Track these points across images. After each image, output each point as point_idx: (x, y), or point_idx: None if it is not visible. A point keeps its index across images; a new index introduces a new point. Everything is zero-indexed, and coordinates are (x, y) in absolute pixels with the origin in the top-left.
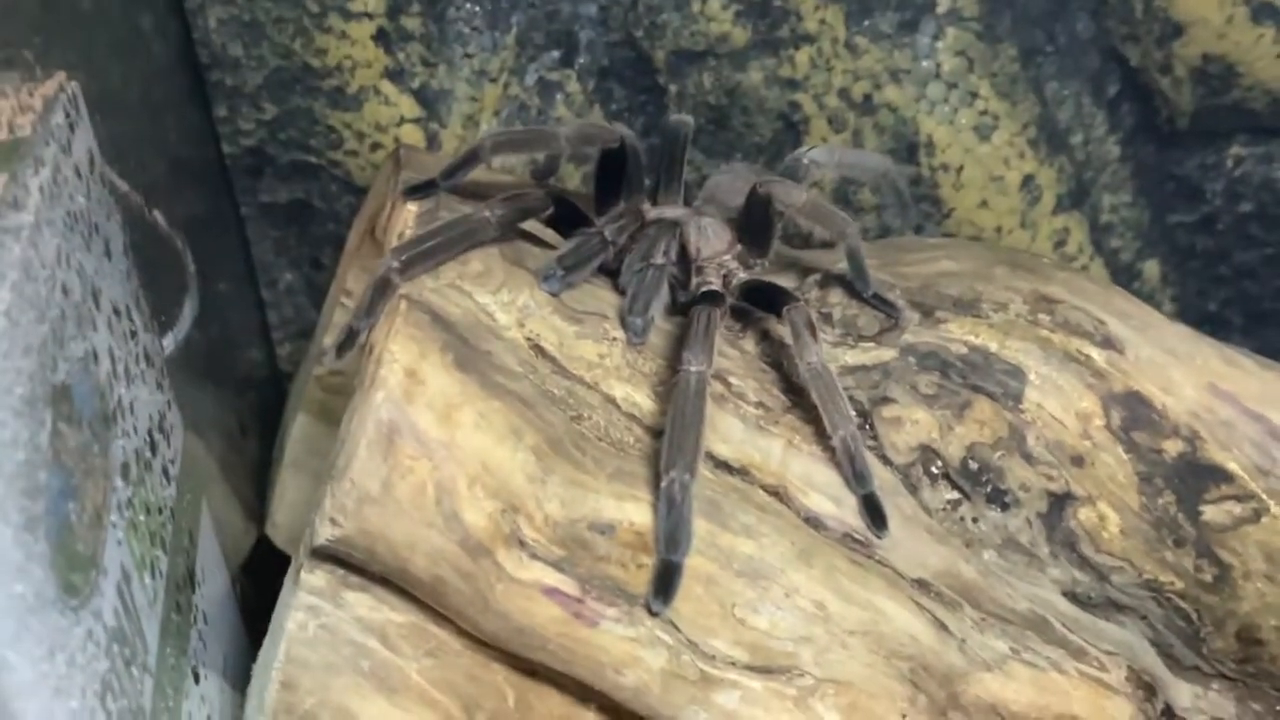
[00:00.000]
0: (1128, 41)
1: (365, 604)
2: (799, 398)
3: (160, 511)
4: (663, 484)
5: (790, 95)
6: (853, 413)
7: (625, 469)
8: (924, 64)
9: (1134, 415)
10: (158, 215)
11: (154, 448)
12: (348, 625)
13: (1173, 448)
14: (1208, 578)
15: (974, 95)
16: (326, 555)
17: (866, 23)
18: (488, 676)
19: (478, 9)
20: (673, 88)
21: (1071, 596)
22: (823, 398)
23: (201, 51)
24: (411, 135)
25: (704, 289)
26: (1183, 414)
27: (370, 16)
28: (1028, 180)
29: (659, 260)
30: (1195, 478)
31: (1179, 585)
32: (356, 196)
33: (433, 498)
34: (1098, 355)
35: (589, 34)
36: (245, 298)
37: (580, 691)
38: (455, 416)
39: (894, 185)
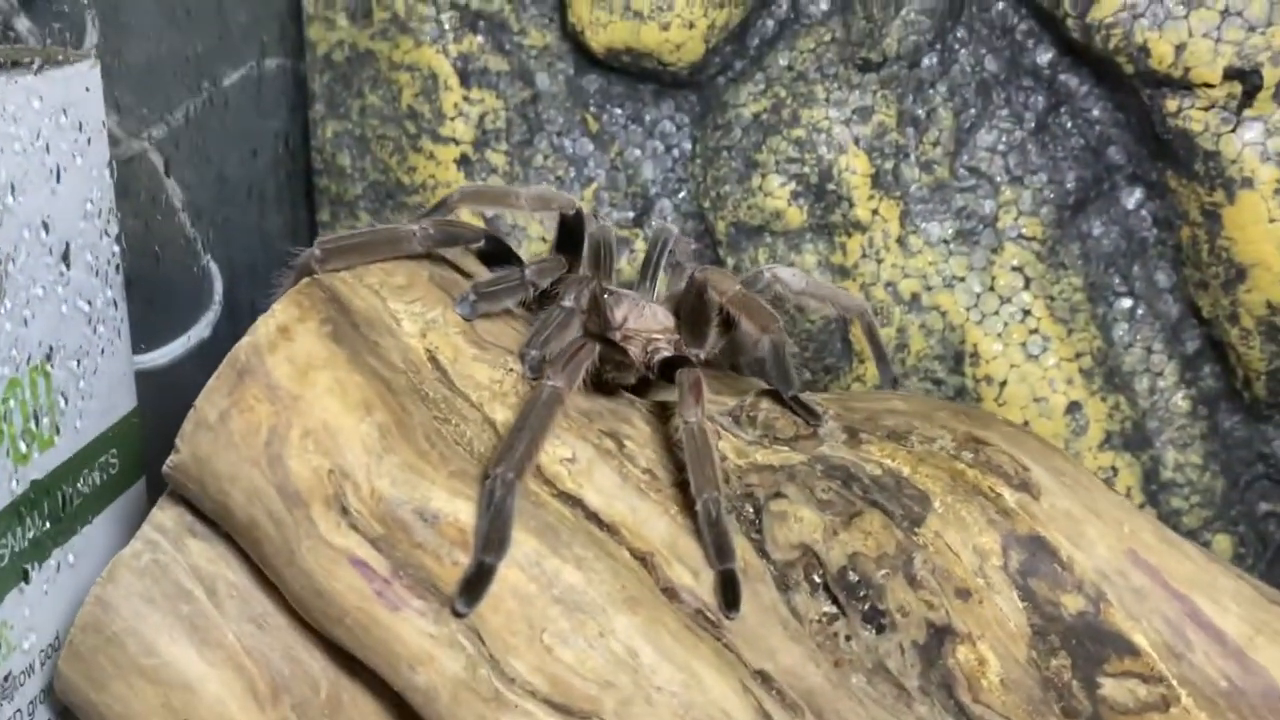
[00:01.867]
0: (1199, 289)
1: (204, 554)
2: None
3: (38, 418)
4: (487, 480)
5: (840, 282)
6: (721, 480)
7: (470, 472)
8: (978, 275)
9: (1034, 561)
10: (194, 231)
11: (52, 361)
12: (180, 569)
13: (1073, 604)
14: None
15: (1027, 313)
16: (181, 499)
17: (923, 224)
18: (305, 661)
19: (563, 159)
20: (730, 261)
21: None
22: (692, 458)
23: (315, 159)
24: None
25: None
26: (1090, 571)
27: (457, 143)
28: (1073, 407)
29: (568, 303)
30: (1095, 643)
31: None
32: None
33: (264, 439)
34: (1009, 495)
35: (664, 201)
36: None
37: (397, 709)
38: (312, 375)
39: (870, 331)
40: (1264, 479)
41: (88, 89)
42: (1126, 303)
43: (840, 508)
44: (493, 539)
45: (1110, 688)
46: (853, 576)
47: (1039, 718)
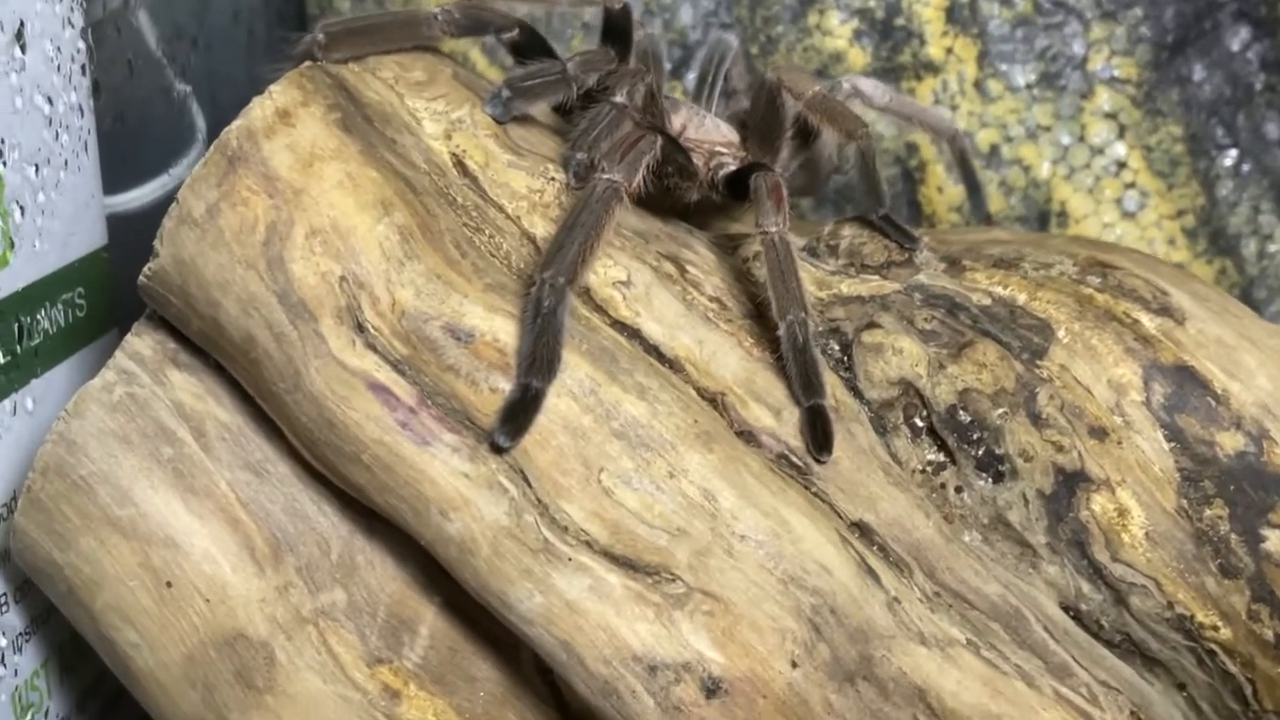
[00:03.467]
0: None
1: (190, 389)
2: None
3: None
4: (532, 288)
5: (908, 134)
6: (810, 300)
7: (510, 285)
8: (1066, 124)
9: (1183, 394)
10: (170, 71)
11: (2, 156)
12: (162, 405)
13: (1230, 444)
14: (1269, 634)
15: (1122, 166)
16: (161, 322)
17: (1003, 66)
18: (313, 516)
19: None
20: None
21: (1075, 615)
22: (773, 273)
23: None
24: None
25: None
26: (1249, 405)
27: None
28: None
29: (619, 99)
30: (1258, 489)
31: (1225, 634)
32: None
33: (261, 237)
34: (1148, 321)
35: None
36: None
37: (424, 573)
38: (318, 167)
39: (962, 157)
40: None
41: None
42: (1231, 156)
43: (946, 338)
44: (540, 358)
45: (1277, 540)
46: (964, 416)
47: (1191, 576)
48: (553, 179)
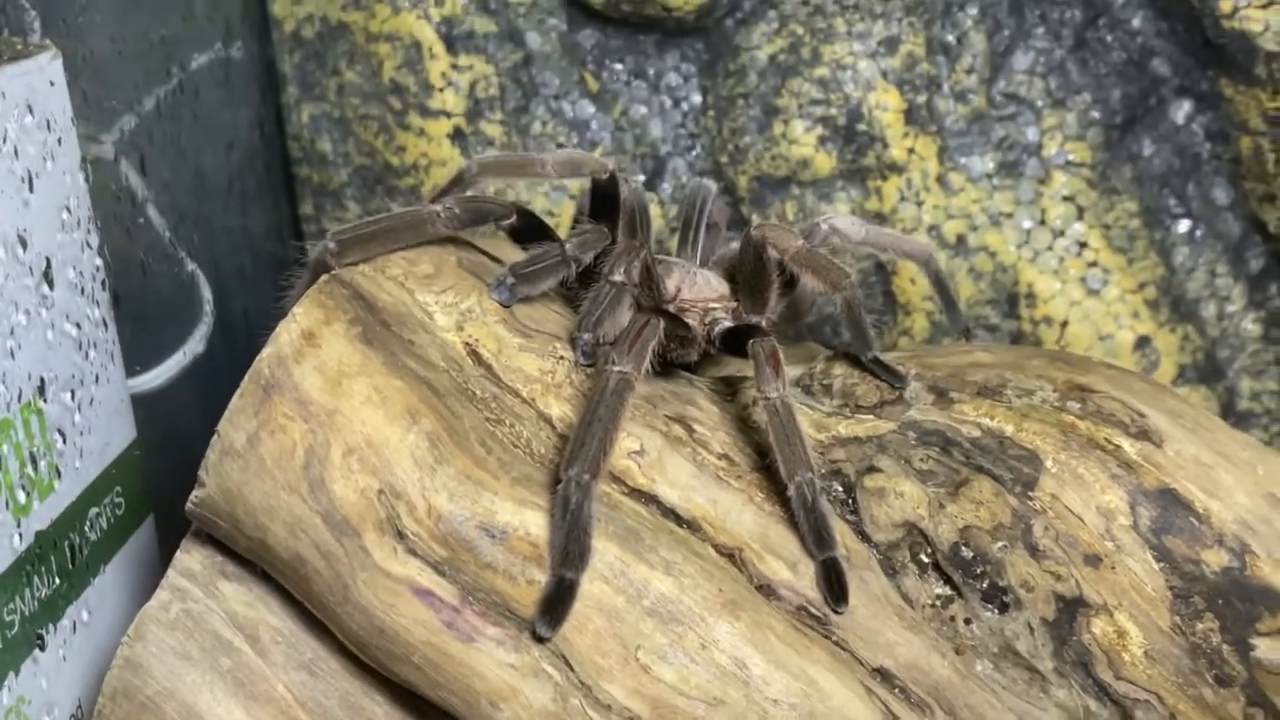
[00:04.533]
0: (1264, 203)
1: (241, 598)
2: (768, 459)
3: (35, 461)
4: (559, 485)
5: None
6: (815, 460)
7: (535, 477)
8: (1027, 209)
9: (1167, 517)
10: (172, 235)
11: (45, 395)
12: (216, 617)
13: (1215, 560)
14: None
15: (1083, 245)
16: (209, 538)
17: (962, 159)
18: (368, 708)
19: (564, 125)
20: (755, 217)
21: None
22: (778, 437)
23: (293, 146)
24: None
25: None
26: (1230, 522)
27: (449, 115)
28: (1143, 342)
29: (618, 277)
30: (1245, 600)
31: None
32: None
33: (300, 461)
34: (1129, 446)
35: (677, 160)
36: None
37: None
38: (346, 385)
39: (937, 277)
40: None
41: (52, 83)
42: (1185, 224)
43: (943, 477)
44: (572, 550)
45: (1265, 648)
46: (966, 553)
47: (1190, 689)
48: (561, 358)
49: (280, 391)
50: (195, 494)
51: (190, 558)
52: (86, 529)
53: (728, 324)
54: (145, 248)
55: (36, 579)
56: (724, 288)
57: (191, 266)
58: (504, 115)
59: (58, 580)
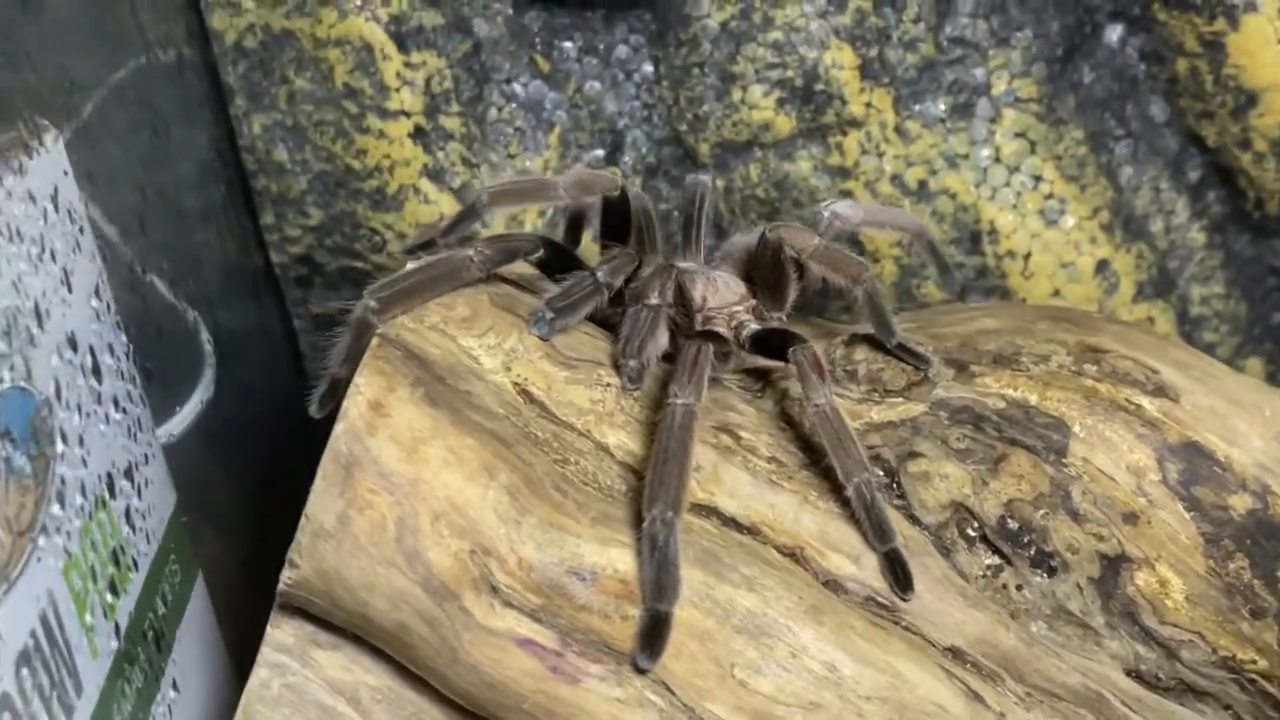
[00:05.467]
0: (1203, 119)
1: (336, 664)
2: (814, 455)
3: (118, 558)
4: (644, 524)
5: (842, 183)
6: (867, 458)
7: (611, 513)
8: (982, 149)
9: (1193, 469)
10: (169, 293)
11: (113, 490)
12: (316, 686)
13: (1240, 504)
14: None
15: (1038, 179)
16: (295, 609)
17: (917, 107)
18: None
19: (519, 109)
20: (720, 182)
21: (1136, 676)
22: (832, 442)
23: (247, 159)
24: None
25: (702, 330)
26: (1250, 467)
27: (407, 115)
28: (1102, 266)
29: (654, 300)
30: (1270, 538)
31: (1262, 664)
32: None
33: (393, 534)
34: (1149, 404)
35: (635, 132)
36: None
37: None
38: (422, 451)
39: (930, 246)
40: (1276, 291)
41: (65, 171)
42: (1127, 145)
43: (981, 454)
44: (664, 584)
45: None
46: (1012, 524)
47: (1229, 624)
48: (608, 385)
49: (361, 467)
50: (288, 575)
51: (282, 632)
52: (158, 608)
53: (754, 326)
54: (146, 301)
55: (132, 674)
56: (741, 287)
57: (193, 314)
58: (460, 106)
59: (147, 666)
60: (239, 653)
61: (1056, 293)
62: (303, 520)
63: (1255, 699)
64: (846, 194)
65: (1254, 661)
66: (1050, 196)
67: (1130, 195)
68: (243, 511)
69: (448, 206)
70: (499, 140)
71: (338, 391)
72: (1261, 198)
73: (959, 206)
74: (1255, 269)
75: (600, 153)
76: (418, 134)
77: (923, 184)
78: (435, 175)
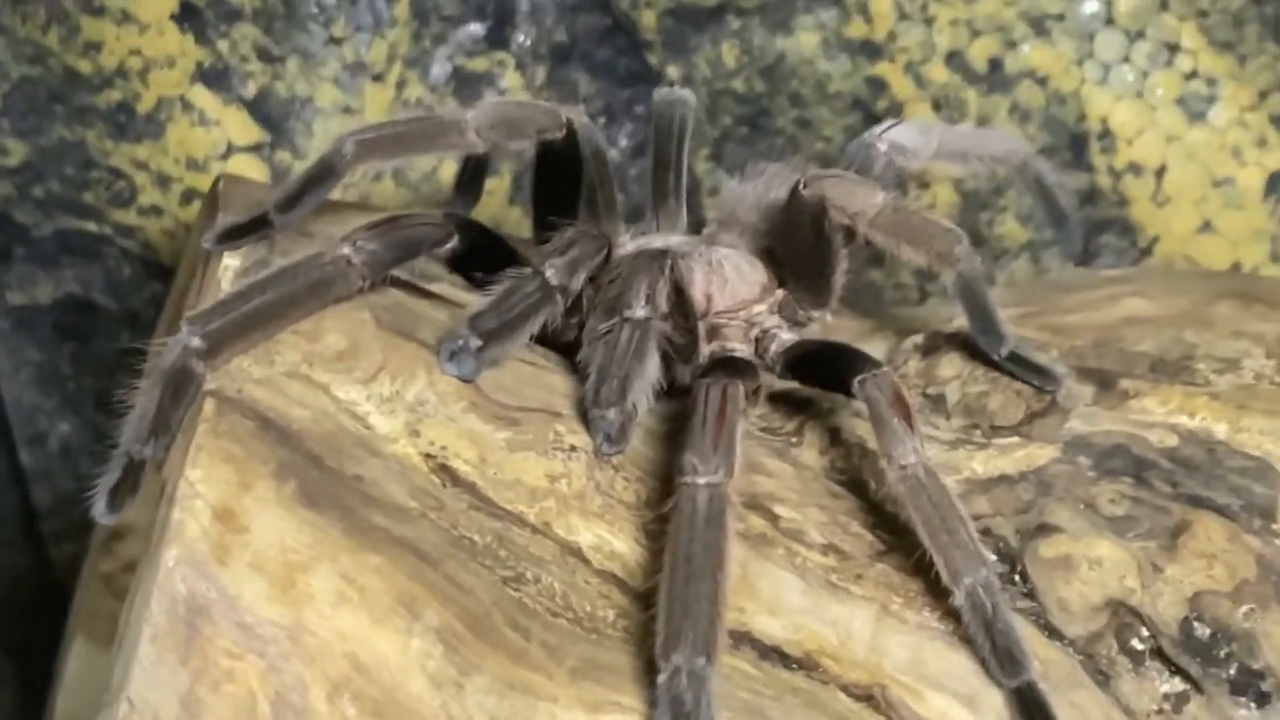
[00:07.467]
0: None
1: None
2: (895, 535)
3: None
4: (661, 678)
5: (868, 68)
6: (982, 546)
7: (599, 659)
8: (1086, 3)
9: None
10: None
11: None
12: None
13: None
14: None
15: (1173, 49)
16: None
17: None
18: None
19: None
20: (673, 70)
21: None
22: (930, 524)
23: None
24: (249, 171)
25: (720, 357)
26: None
27: None
28: (1276, 181)
29: (640, 313)
30: None
31: None
32: (165, 282)
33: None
34: None
35: None
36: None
37: None
38: (302, 583)
39: (1038, 182)
40: None
41: None
42: None
43: (1148, 523)
44: None
45: None
46: (1200, 630)
47: None
48: (572, 450)
49: (210, 618)
50: None
51: None
52: None
53: (786, 337)
54: None
55: None
56: (760, 272)
57: None
58: None
59: None
60: None
61: (1207, 225)
62: (123, 707)
63: None
64: (876, 83)
65: None
66: (1193, 75)
67: None
68: None
69: (238, 130)
70: (314, 15)
71: (137, 481)
72: None
73: (1053, 96)
74: None
75: (478, 27)
76: (185, 13)
77: (996, 63)
78: (215, 79)
